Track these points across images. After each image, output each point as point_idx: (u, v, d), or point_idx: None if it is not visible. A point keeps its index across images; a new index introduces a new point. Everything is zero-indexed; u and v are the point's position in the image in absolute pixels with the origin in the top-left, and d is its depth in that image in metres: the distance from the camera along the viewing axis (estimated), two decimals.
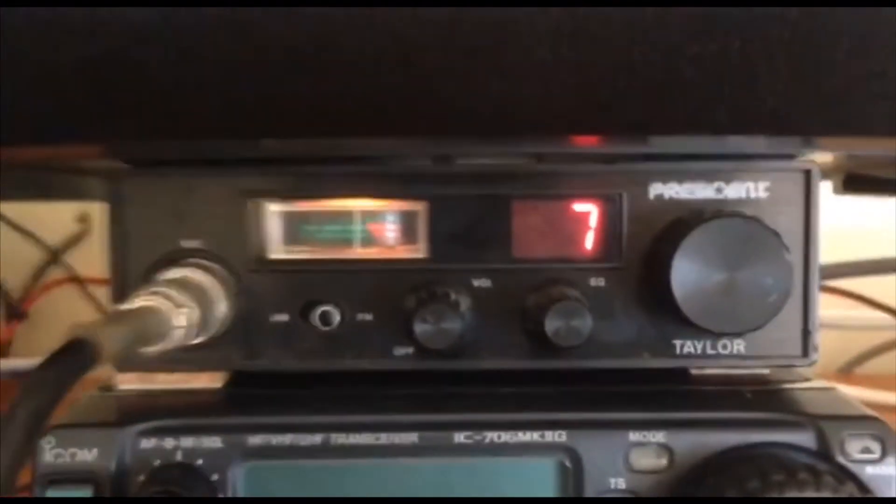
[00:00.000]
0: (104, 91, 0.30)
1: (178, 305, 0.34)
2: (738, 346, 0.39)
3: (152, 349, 0.33)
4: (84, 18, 0.29)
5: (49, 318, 0.93)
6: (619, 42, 0.29)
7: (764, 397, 0.37)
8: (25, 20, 0.29)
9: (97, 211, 0.92)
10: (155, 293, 0.34)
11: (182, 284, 0.36)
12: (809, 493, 0.31)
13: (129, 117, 0.31)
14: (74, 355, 0.28)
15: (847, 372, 0.86)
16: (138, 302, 0.33)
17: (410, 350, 0.39)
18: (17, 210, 0.89)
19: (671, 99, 0.30)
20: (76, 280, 0.88)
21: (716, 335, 0.38)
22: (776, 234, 0.36)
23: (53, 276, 0.93)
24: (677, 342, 0.39)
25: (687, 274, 0.35)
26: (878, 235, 0.79)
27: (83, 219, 0.92)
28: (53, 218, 0.91)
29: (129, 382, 0.40)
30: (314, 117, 0.31)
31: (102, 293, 0.89)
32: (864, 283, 0.80)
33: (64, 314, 0.93)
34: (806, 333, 0.38)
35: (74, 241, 0.93)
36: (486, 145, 0.35)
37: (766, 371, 0.40)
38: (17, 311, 0.92)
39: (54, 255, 0.91)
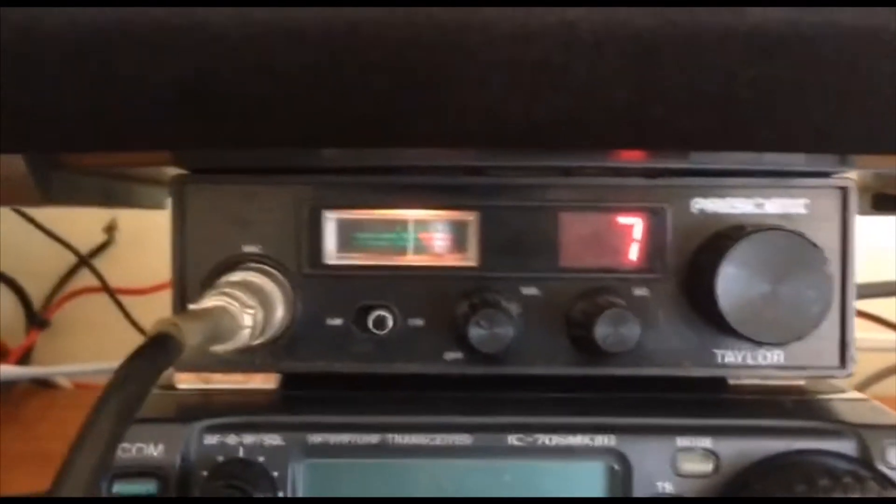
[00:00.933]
0: (174, 101, 0.32)
1: (245, 307, 0.36)
2: (778, 356, 0.40)
3: (222, 348, 0.35)
4: (157, 31, 0.30)
5: (71, 327, 0.95)
6: (679, 63, 0.30)
7: (804, 406, 0.39)
8: (98, 34, 0.30)
9: (124, 221, 0.94)
10: (223, 294, 0.36)
11: (245, 287, 0.37)
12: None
13: (198, 127, 0.33)
14: (160, 349, 0.29)
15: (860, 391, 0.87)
16: (209, 302, 0.35)
17: (460, 355, 0.41)
18: (45, 217, 0.90)
19: (724, 118, 0.32)
20: (105, 289, 0.89)
21: (757, 345, 0.39)
22: (818, 248, 0.37)
23: (78, 285, 0.94)
24: (718, 351, 0.40)
25: (732, 285, 0.37)
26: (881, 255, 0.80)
27: (110, 228, 0.93)
28: (79, 227, 0.93)
29: (187, 382, 0.41)
30: (368, 128, 0.32)
31: (129, 302, 0.90)
32: (873, 303, 0.81)
33: (86, 323, 0.94)
34: (843, 345, 0.40)
35: (100, 250, 0.94)
36: (543, 159, 0.37)
37: (802, 382, 0.41)
38: (39, 319, 0.93)
39: (83, 262, 0.92)
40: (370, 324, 0.41)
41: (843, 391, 0.42)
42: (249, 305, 0.36)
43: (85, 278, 0.94)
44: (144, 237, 0.94)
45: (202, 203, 0.40)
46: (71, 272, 0.94)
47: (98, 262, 0.93)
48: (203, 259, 0.40)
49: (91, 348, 0.91)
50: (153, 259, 0.91)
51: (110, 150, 0.33)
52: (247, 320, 0.35)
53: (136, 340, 0.84)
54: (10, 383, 0.86)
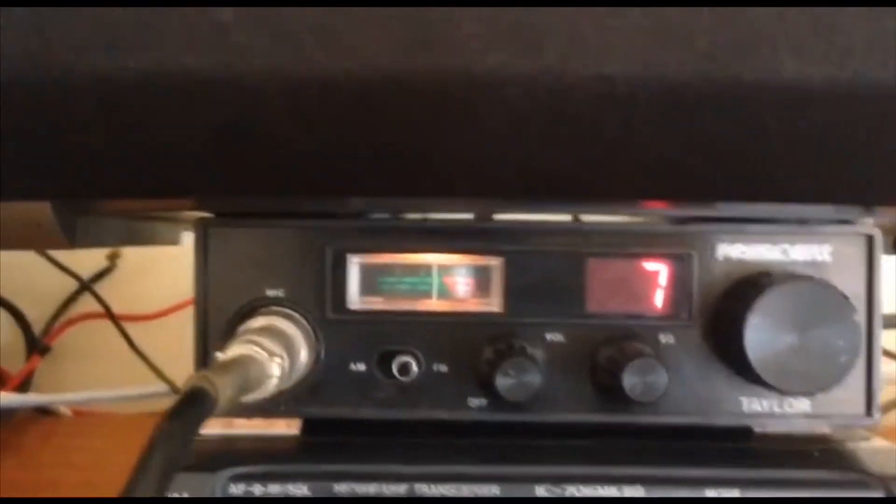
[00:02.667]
0: (207, 151, 0.32)
1: (272, 355, 0.35)
2: (804, 404, 0.40)
3: (250, 398, 0.34)
4: (192, 83, 0.30)
5: (72, 353, 0.94)
6: (713, 117, 0.30)
7: (831, 456, 0.39)
8: (132, 84, 0.30)
9: (127, 248, 0.93)
10: (250, 341, 0.35)
11: (271, 333, 0.37)
12: None
13: (229, 176, 0.33)
14: (197, 405, 0.29)
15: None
16: (236, 350, 0.34)
17: (485, 401, 0.40)
18: None
19: (757, 171, 0.32)
20: (108, 315, 0.89)
21: (783, 394, 0.39)
22: (845, 297, 0.37)
23: (79, 311, 0.93)
24: (744, 399, 0.40)
25: (760, 334, 0.37)
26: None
27: (113, 255, 0.92)
28: (81, 253, 0.92)
29: (209, 427, 0.40)
30: (402, 179, 0.32)
31: (131, 328, 0.89)
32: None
33: (88, 349, 0.93)
34: (869, 393, 0.40)
35: (102, 276, 0.93)
36: (577, 208, 0.37)
37: (826, 429, 0.41)
38: (39, 345, 0.92)
39: (85, 288, 0.92)
40: (394, 369, 0.40)
41: (867, 438, 0.42)
42: (277, 354, 0.36)
43: (86, 304, 0.93)
44: (147, 264, 0.93)
45: (225, 246, 0.40)
46: (72, 298, 0.94)
47: (100, 288, 0.92)
48: (226, 302, 0.40)
49: (92, 375, 0.91)
50: (156, 286, 0.91)
51: (141, 198, 0.33)
52: (275, 369, 0.35)
53: (138, 367, 0.83)
54: (11, 411, 0.85)
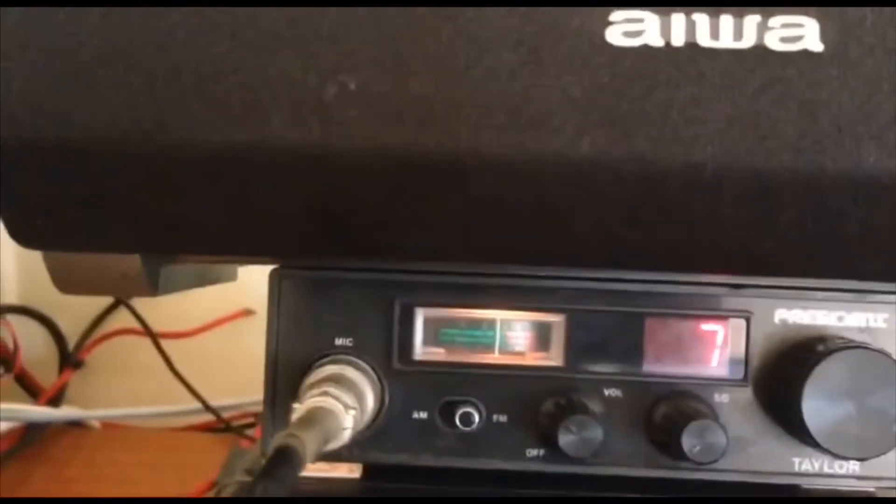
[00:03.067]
0: (301, 219, 0.33)
1: (347, 407, 0.37)
2: (854, 466, 0.41)
3: (327, 449, 0.35)
4: (292, 157, 0.31)
5: (105, 368, 0.95)
6: (793, 203, 0.32)
7: None
8: (238, 157, 0.31)
9: None
10: (325, 393, 0.36)
11: (341, 382, 0.38)
12: None
13: (322, 242, 0.34)
14: (287, 463, 0.30)
15: None
16: (314, 402, 0.36)
17: (542, 452, 0.42)
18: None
19: (831, 253, 0.33)
20: (146, 331, 0.90)
21: (837, 458, 0.40)
22: None
23: (113, 326, 0.95)
24: (795, 459, 0.41)
25: (817, 400, 0.38)
26: None
27: None
28: None
29: None
30: (493, 249, 0.34)
31: (165, 345, 0.91)
32: None
33: (120, 364, 0.95)
34: None
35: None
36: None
37: (872, 489, 0.43)
38: (73, 359, 0.94)
39: (120, 303, 0.93)
40: (456, 419, 0.41)
41: None
42: (351, 406, 0.37)
43: (120, 320, 0.94)
44: None
45: (298, 296, 0.42)
46: (106, 313, 0.95)
47: (135, 304, 0.93)
48: (296, 350, 0.41)
49: (124, 390, 0.92)
50: (191, 303, 0.93)
51: (234, 256, 0.34)
52: (349, 422, 0.36)
53: (168, 383, 0.84)
54: (43, 424, 0.87)
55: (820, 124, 0.30)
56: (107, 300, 0.95)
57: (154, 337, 0.90)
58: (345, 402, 0.37)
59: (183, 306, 0.93)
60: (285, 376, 0.41)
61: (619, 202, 0.32)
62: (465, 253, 0.33)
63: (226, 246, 0.34)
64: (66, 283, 0.38)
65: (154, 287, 0.38)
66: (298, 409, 0.35)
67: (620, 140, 0.30)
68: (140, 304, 0.94)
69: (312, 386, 0.38)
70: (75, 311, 0.95)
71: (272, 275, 0.41)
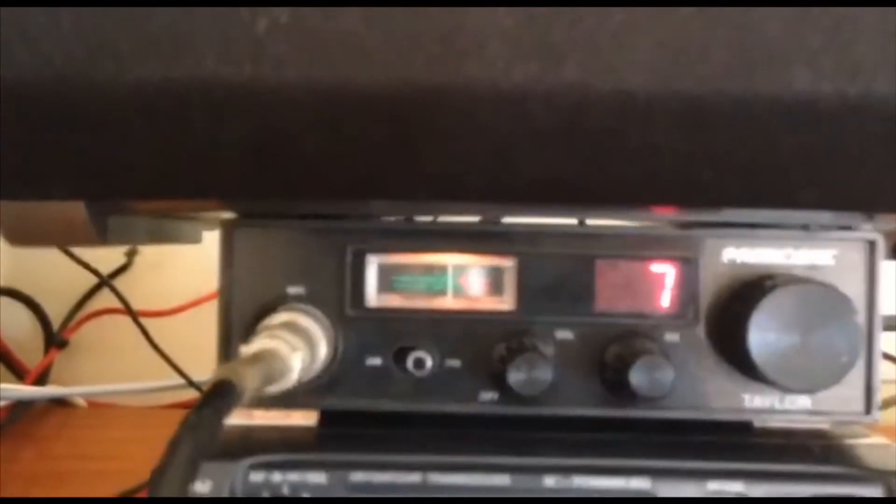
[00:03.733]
0: (242, 157, 0.33)
1: (294, 349, 0.37)
2: (805, 401, 0.41)
3: (271, 389, 0.36)
4: (230, 94, 0.31)
5: (90, 347, 0.95)
6: (726, 130, 0.32)
7: (831, 452, 0.40)
8: (174, 95, 0.32)
9: (145, 246, 0.95)
10: (273, 336, 0.37)
11: (292, 328, 0.39)
12: None
13: (261, 181, 0.34)
14: (224, 396, 0.30)
15: None
16: (259, 344, 0.36)
17: (496, 395, 0.42)
18: None
19: (767, 181, 0.33)
20: (127, 311, 0.90)
21: (785, 391, 0.40)
22: (847, 300, 0.39)
23: (97, 306, 0.95)
24: (746, 396, 0.42)
25: (763, 334, 0.38)
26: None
27: (130, 252, 0.94)
28: (99, 249, 0.94)
29: (230, 418, 0.42)
30: (428, 185, 0.34)
31: (148, 324, 0.91)
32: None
33: (105, 344, 0.95)
34: (869, 391, 0.41)
35: (120, 272, 0.95)
36: (590, 213, 0.38)
37: (826, 425, 0.43)
38: (57, 339, 0.94)
39: (104, 283, 0.93)
40: (409, 364, 0.42)
41: (866, 435, 0.43)
42: (298, 348, 0.37)
43: (103, 300, 0.95)
44: (164, 260, 0.95)
45: (250, 246, 0.42)
46: (90, 293, 0.96)
47: (118, 284, 0.94)
48: (249, 299, 0.42)
49: (109, 369, 0.92)
50: (172, 282, 0.93)
51: (172, 199, 0.35)
52: (296, 362, 0.37)
53: (153, 361, 0.85)
54: (28, 403, 0.87)
55: (750, 49, 0.30)
56: (90, 281, 0.95)
57: (133, 314, 0.90)
58: (292, 343, 0.37)
59: (166, 285, 0.93)
60: (239, 326, 0.42)
61: (554, 132, 0.32)
62: (404, 190, 0.34)
63: (164, 188, 0.34)
64: (14, 234, 0.38)
65: (102, 236, 0.38)
66: (245, 351, 0.36)
67: (552, 68, 0.30)
68: (123, 283, 0.95)
69: (262, 331, 0.38)
70: (59, 292, 0.96)
71: (223, 224, 0.41)
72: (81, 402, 0.91)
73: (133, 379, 0.87)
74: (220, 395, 0.30)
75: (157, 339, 0.90)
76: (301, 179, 0.33)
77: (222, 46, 0.31)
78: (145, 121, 0.32)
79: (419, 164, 0.32)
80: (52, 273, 0.93)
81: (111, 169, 0.33)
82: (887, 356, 0.79)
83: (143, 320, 0.91)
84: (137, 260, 0.95)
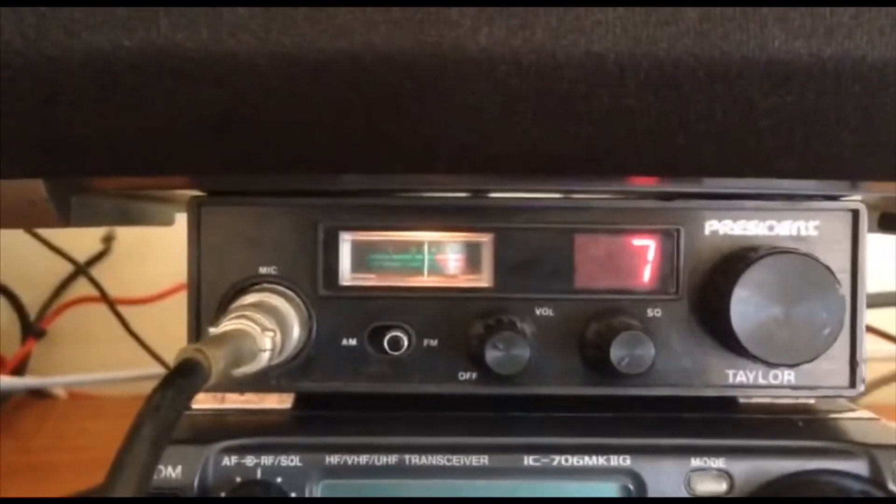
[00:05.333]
0: (203, 128, 0.32)
1: (264, 329, 0.36)
2: (789, 376, 0.41)
3: (241, 371, 0.35)
4: (187, 62, 0.30)
5: (68, 337, 0.94)
6: (700, 93, 0.31)
7: (815, 426, 0.39)
8: (129, 63, 0.30)
9: (122, 231, 0.93)
10: (242, 316, 0.36)
11: (263, 308, 0.38)
12: None
13: (225, 153, 0.33)
14: (188, 377, 0.29)
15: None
16: (228, 325, 0.35)
17: (474, 374, 0.41)
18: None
19: (743, 146, 0.32)
20: (103, 298, 0.89)
21: (768, 365, 0.40)
22: (830, 271, 0.38)
23: (74, 294, 0.94)
24: (730, 371, 0.41)
25: (746, 307, 0.37)
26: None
27: (107, 238, 0.93)
28: (76, 237, 0.92)
29: (202, 402, 0.41)
30: (393, 154, 0.33)
31: (127, 312, 0.90)
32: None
33: (83, 333, 0.94)
34: (853, 365, 0.40)
35: (97, 259, 0.94)
36: (559, 184, 0.37)
37: (811, 400, 0.42)
38: (35, 329, 0.92)
39: (81, 271, 0.92)
40: (385, 344, 0.41)
41: (851, 409, 0.43)
42: (269, 328, 0.36)
43: (82, 288, 0.93)
44: (142, 247, 0.94)
45: (219, 224, 0.41)
46: (67, 281, 0.94)
47: (95, 272, 0.92)
48: (219, 280, 0.41)
49: (88, 358, 0.91)
50: (151, 269, 0.92)
51: (134, 175, 0.33)
52: (266, 343, 0.36)
53: (132, 350, 0.84)
54: (6, 394, 0.86)
55: (721, 9, 0.29)
56: (67, 268, 0.93)
57: (110, 302, 0.89)
58: (262, 323, 0.36)
59: (145, 271, 0.92)
60: (208, 308, 0.40)
61: (523, 97, 0.31)
62: (370, 161, 0.32)
63: (122, 163, 0.32)
64: None
65: (64, 217, 0.37)
66: (213, 332, 0.34)
67: (519, 30, 0.29)
68: (101, 270, 0.93)
69: (232, 312, 0.37)
70: (36, 281, 0.94)
71: (190, 203, 0.40)
72: (61, 392, 0.90)
73: (114, 368, 0.86)
74: (184, 375, 0.29)
75: (137, 327, 0.89)
76: (264, 151, 0.32)
77: (177, 11, 0.30)
78: (99, 91, 0.31)
79: (385, 133, 0.31)
80: (28, 261, 0.91)
81: (67, 143, 0.32)
82: (885, 334, 0.79)
83: (122, 308, 0.90)
84: (115, 246, 0.93)
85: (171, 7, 0.29)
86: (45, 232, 0.90)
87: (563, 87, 0.30)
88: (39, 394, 0.90)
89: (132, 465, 0.26)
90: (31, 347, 0.91)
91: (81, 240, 0.92)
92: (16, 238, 0.87)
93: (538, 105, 0.31)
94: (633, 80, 0.30)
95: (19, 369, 0.90)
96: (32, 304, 0.94)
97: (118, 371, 0.86)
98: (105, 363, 0.88)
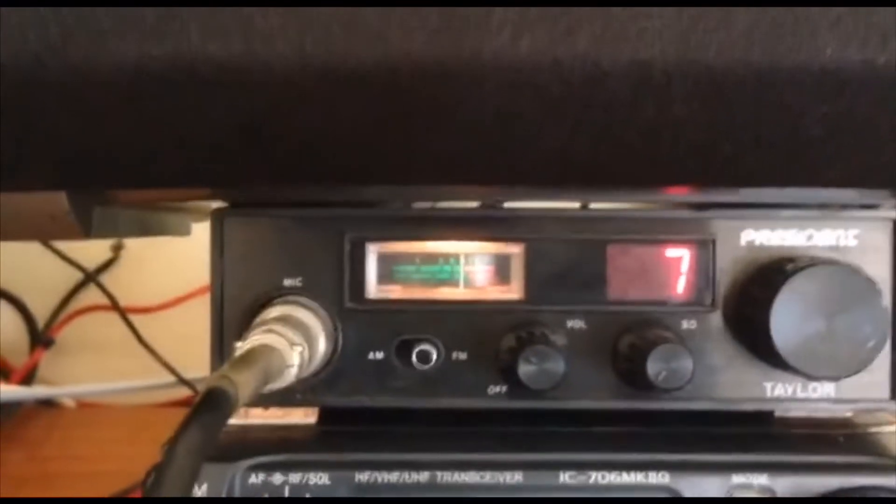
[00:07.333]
0: (231, 141, 0.31)
1: (292, 344, 0.35)
2: (828, 389, 0.40)
3: (270, 388, 0.34)
4: (217, 72, 0.29)
5: (76, 345, 0.93)
6: (750, 101, 0.30)
7: (857, 441, 0.38)
8: (157, 75, 0.29)
9: (130, 240, 0.92)
10: (270, 331, 0.35)
11: (289, 322, 0.37)
12: None
13: (254, 165, 0.32)
14: (216, 408, 0.28)
15: None
16: (256, 340, 0.34)
17: (504, 388, 0.40)
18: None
19: (792, 155, 0.31)
20: (114, 307, 0.88)
21: (808, 378, 0.39)
22: (872, 282, 0.37)
23: (83, 303, 0.93)
24: (768, 384, 0.40)
25: (786, 319, 0.36)
26: None
27: (116, 247, 0.92)
28: (85, 245, 0.91)
29: None
30: (431, 167, 0.32)
31: (136, 320, 0.89)
32: None
33: (91, 341, 0.93)
34: (894, 377, 0.39)
35: (106, 267, 0.93)
36: (607, 195, 0.37)
37: (848, 413, 0.41)
38: (43, 338, 0.92)
39: (90, 279, 0.91)
40: (413, 358, 0.40)
41: (890, 423, 0.41)
42: (297, 343, 0.35)
43: (90, 296, 0.92)
44: (151, 255, 0.93)
45: (242, 236, 0.40)
46: (76, 290, 0.93)
47: (104, 280, 0.91)
48: (242, 292, 0.40)
49: (96, 367, 0.90)
50: (160, 277, 0.91)
51: (159, 188, 0.32)
52: (295, 358, 0.35)
53: (142, 359, 0.82)
54: (15, 404, 0.85)
55: (773, 13, 0.28)
56: (76, 277, 0.93)
57: (121, 310, 0.88)
58: (289, 338, 0.35)
59: (154, 279, 0.91)
60: (232, 322, 0.39)
61: (565, 107, 0.30)
62: (403, 172, 0.31)
63: (149, 175, 0.31)
64: None
65: (86, 230, 0.36)
66: (240, 348, 0.33)
67: (562, 38, 0.28)
68: (110, 278, 0.92)
69: (257, 326, 0.36)
70: (44, 289, 0.93)
71: (213, 214, 0.39)
72: (70, 402, 0.89)
73: (123, 377, 0.85)
74: (211, 407, 0.27)
75: (146, 336, 0.88)
76: (294, 162, 0.31)
77: (209, 20, 0.29)
78: (126, 102, 0.30)
79: (420, 143, 0.30)
80: (36, 269, 0.90)
81: (93, 156, 0.31)
82: None
83: (132, 316, 0.89)
84: (124, 254, 0.92)
85: (202, 15, 0.28)
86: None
87: (607, 96, 0.29)
88: (48, 403, 0.89)
89: None
90: (40, 357, 0.90)
91: (90, 248, 0.91)
92: (23, 246, 0.86)
93: (580, 114, 0.30)
94: (680, 88, 0.29)
95: (28, 379, 0.89)
96: (41, 313, 0.93)
97: (128, 380, 0.85)
98: (114, 372, 0.87)
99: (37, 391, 0.87)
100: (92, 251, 0.92)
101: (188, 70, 0.29)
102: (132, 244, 0.93)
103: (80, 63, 0.29)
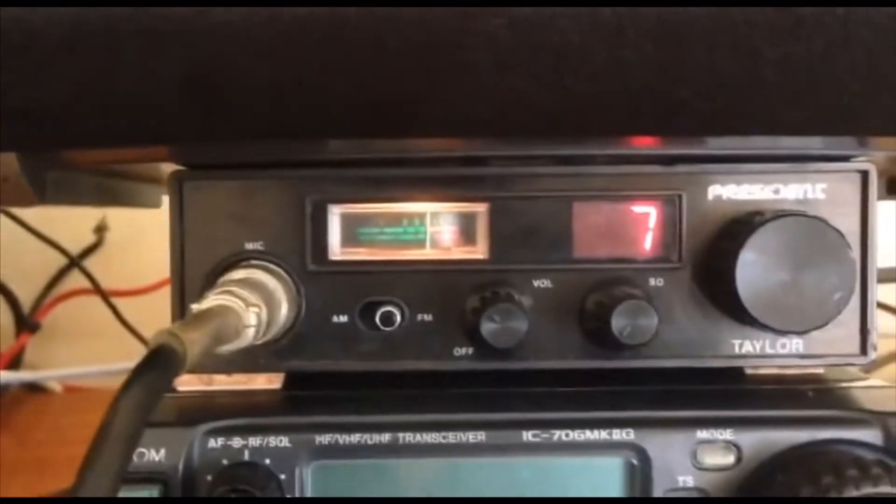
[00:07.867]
0: (178, 93, 0.30)
1: (249, 304, 0.34)
2: (797, 345, 0.39)
3: (225, 348, 0.33)
4: (160, 22, 0.29)
5: (62, 330, 0.93)
6: (703, 44, 0.29)
7: (825, 395, 0.38)
8: (99, 26, 0.29)
9: (115, 222, 0.92)
10: (226, 292, 0.34)
11: (248, 284, 0.36)
12: (884, 488, 0.32)
13: (202, 119, 0.31)
14: (160, 366, 0.27)
15: None
16: (211, 301, 0.33)
17: (470, 350, 0.39)
18: (33, 218, 0.88)
19: (749, 100, 0.31)
20: (97, 290, 0.87)
21: (776, 334, 0.38)
22: (840, 234, 0.36)
23: (68, 287, 0.92)
24: (736, 341, 0.39)
25: (752, 273, 0.36)
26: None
27: (100, 229, 0.91)
28: (69, 228, 0.91)
29: (188, 384, 0.40)
30: (380, 116, 0.31)
31: (121, 303, 0.88)
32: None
33: (77, 326, 0.92)
34: (864, 332, 0.39)
35: (90, 251, 0.92)
36: (556, 148, 0.36)
37: (820, 370, 0.41)
38: (29, 323, 0.91)
39: (74, 263, 0.90)
40: (377, 320, 0.39)
41: (862, 378, 0.41)
42: (253, 303, 0.34)
43: (75, 280, 0.92)
44: (135, 237, 0.92)
45: (202, 199, 0.39)
46: (61, 274, 0.93)
47: (88, 264, 0.91)
48: (203, 257, 0.39)
49: (83, 351, 0.90)
50: (145, 260, 0.90)
51: (110, 146, 0.32)
52: (251, 319, 0.34)
53: (129, 342, 0.82)
54: (2, 388, 0.84)
55: None
56: (60, 261, 0.92)
57: (104, 294, 0.87)
58: (246, 299, 0.34)
59: (140, 262, 0.90)
60: (193, 286, 0.39)
61: (517, 52, 0.29)
62: (354, 126, 0.31)
63: (97, 132, 0.31)
64: None
65: (40, 195, 0.35)
66: (195, 310, 0.33)
67: None
68: (95, 262, 0.92)
69: (216, 289, 0.35)
70: (28, 274, 0.93)
71: (170, 177, 0.39)
72: (57, 386, 0.89)
73: (109, 360, 0.84)
74: (157, 365, 0.27)
75: (131, 319, 0.88)
76: (241, 115, 0.30)
77: None
78: (69, 53, 0.29)
79: (369, 94, 0.30)
80: (21, 254, 0.90)
81: (35, 113, 0.31)
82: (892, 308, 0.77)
83: (117, 300, 0.88)
84: (108, 237, 0.92)
85: None
86: (37, 224, 0.88)
87: (558, 42, 0.29)
88: (35, 388, 0.89)
89: (102, 466, 0.24)
90: (26, 341, 0.90)
91: (74, 232, 0.91)
92: (7, 229, 0.86)
93: (533, 61, 0.29)
94: (632, 31, 0.28)
95: (14, 363, 0.88)
96: (26, 298, 0.92)
97: (114, 363, 0.84)
98: (100, 355, 0.86)
99: (23, 375, 0.86)
100: (77, 235, 0.92)
101: (127, 20, 0.28)
102: (116, 227, 0.93)
103: (18, 13, 0.28)
